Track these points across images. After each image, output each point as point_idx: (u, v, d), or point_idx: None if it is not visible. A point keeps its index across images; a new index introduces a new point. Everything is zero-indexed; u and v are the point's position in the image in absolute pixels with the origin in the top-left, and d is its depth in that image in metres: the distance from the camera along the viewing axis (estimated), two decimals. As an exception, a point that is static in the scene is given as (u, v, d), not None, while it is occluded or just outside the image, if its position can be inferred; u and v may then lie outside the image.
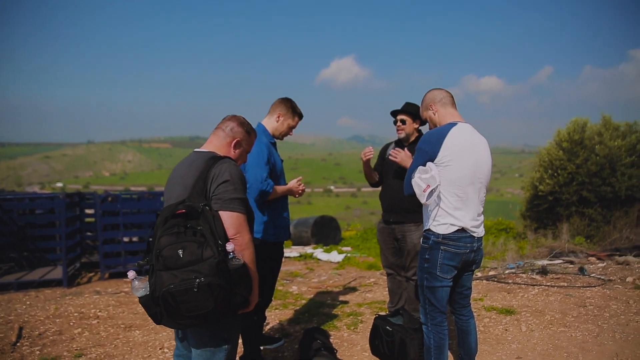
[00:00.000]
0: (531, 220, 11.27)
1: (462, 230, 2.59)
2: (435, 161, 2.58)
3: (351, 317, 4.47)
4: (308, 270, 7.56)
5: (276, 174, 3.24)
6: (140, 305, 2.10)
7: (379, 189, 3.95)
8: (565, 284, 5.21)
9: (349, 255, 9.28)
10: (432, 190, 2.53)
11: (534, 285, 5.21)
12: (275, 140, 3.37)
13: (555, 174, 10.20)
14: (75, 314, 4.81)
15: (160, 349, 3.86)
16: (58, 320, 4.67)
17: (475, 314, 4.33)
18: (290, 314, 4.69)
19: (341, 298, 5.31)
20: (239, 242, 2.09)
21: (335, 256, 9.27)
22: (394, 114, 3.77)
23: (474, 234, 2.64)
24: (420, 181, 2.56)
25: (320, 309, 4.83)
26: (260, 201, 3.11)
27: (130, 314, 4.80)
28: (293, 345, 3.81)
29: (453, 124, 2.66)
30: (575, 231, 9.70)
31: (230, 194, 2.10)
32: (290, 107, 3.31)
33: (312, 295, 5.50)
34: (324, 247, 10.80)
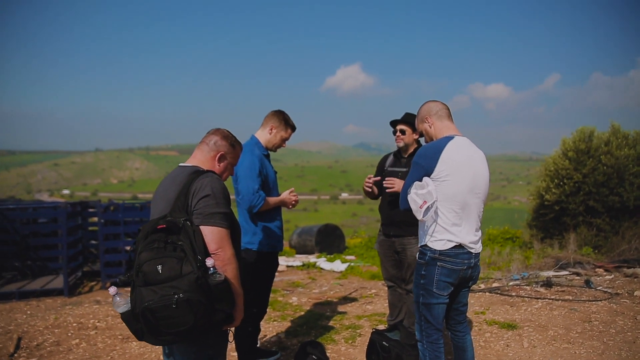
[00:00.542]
0: (537, 229, 11.12)
1: (460, 246, 2.54)
2: (431, 176, 2.53)
3: (350, 330, 4.41)
4: (310, 280, 7.49)
5: (268, 185, 3.27)
6: None
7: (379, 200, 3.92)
8: (571, 298, 5.10)
9: (352, 264, 9.20)
10: (428, 206, 2.47)
11: (537, 298, 5.11)
12: (269, 152, 3.39)
13: (561, 184, 10.07)
14: (74, 324, 4.79)
15: (155, 362, 3.82)
16: (57, 330, 4.66)
17: (476, 328, 4.25)
18: (289, 326, 4.64)
19: (341, 310, 5.25)
20: (220, 257, 2.06)
21: (338, 265, 9.20)
22: (394, 124, 3.75)
23: (472, 250, 2.58)
24: (417, 197, 2.51)
25: (319, 321, 4.77)
26: (252, 212, 3.10)
27: (128, 325, 4.78)
28: (289, 359, 3.76)
29: (450, 138, 2.61)
30: (583, 241, 9.55)
31: (211, 208, 2.08)
32: (283, 120, 3.34)
33: (311, 307, 5.44)
34: (328, 256, 10.73)
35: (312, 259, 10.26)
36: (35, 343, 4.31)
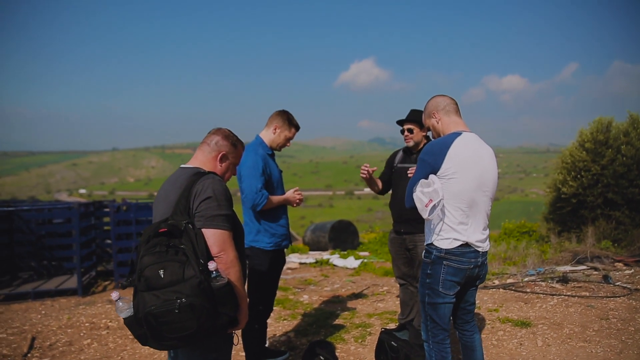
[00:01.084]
0: (554, 223, 10.90)
1: (466, 245, 2.46)
2: (438, 173, 2.46)
3: (360, 328, 4.36)
4: (322, 278, 7.46)
5: (272, 184, 3.28)
6: None
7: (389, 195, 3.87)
8: (587, 294, 4.95)
9: (365, 261, 9.15)
10: (434, 205, 2.40)
11: (553, 295, 4.97)
12: (274, 151, 3.41)
13: (579, 176, 9.83)
14: (87, 324, 4.84)
15: (164, 362, 3.83)
16: (69, 330, 4.71)
17: (489, 326, 4.16)
18: (298, 325, 4.61)
19: (352, 308, 5.19)
20: (223, 260, 2.03)
21: (351, 262, 9.15)
22: (400, 123, 3.69)
23: (479, 249, 2.50)
24: (422, 195, 2.44)
25: (329, 319, 4.72)
26: (254, 211, 3.12)
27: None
28: (298, 359, 3.73)
29: (457, 134, 2.53)
30: (602, 234, 9.32)
31: (213, 210, 2.05)
32: (287, 119, 3.36)
33: (322, 305, 5.40)
34: (341, 253, 10.69)
35: (325, 255, 10.23)
36: (49, 343, 4.36)
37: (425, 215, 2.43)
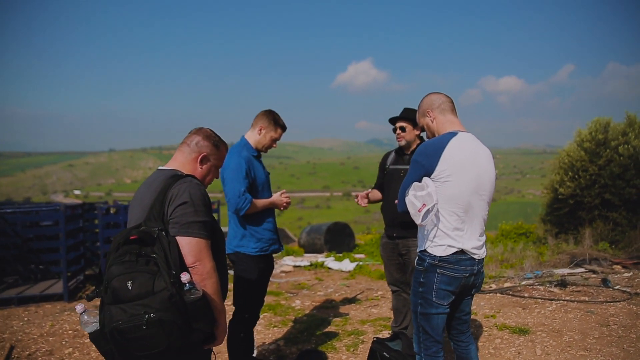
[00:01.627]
0: (552, 224, 10.78)
1: (462, 252, 2.31)
2: (432, 176, 2.30)
3: (352, 336, 4.20)
4: (317, 281, 7.30)
5: (257, 187, 3.14)
6: None
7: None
8: (587, 299, 4.81)
9: (360, 264, 9.00)
10: (428, 209, 2.25)
11: (551, 299, 4.83)
12: (260, 152, 3.26)
13: (576, 177, 9.71)
14: (70, 332, 4.67)
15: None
16: (51, 338, 4.54)
17: (485, 333, 4.01)
18: (289, 332, 4.45)
19: (345, 314, 5.04)
20: (199, 271, 1.88)
21: (346, 265, 9.00)
22: (392, 121, 3.54)
23: (475, 256, 2.35)
24: (415, 199, 2.28)
25: (321, 326, 4.56)
26: (238, 215, 2.98)
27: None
28: (287, 370, 3.57)
29: (453, 134, 2.38)
30: (599, 236, 9.20)
31: (188, 217, 1.89)
32: (272, 120, 3.21)
33: (314, 311, 5.24)
34: (337, 255, 10.54)
35: (320, 258, 10.07)
36: (28, 352, 4.19)
37: (418, 220, 2.28)
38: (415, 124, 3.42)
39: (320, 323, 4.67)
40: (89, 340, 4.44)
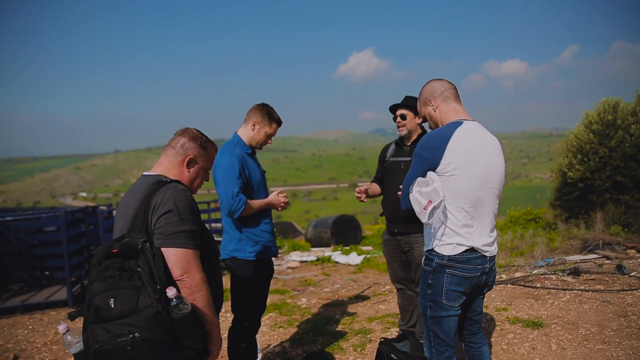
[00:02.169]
0: (561, 209, 10.57)
1: (472, 250, 2.16)
2: (437, 170, 2.14)
3: (359, 335, 4.07)
4: (323, 277, 7.19)
5: (252, 187, 2.94)
6: None
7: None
8: (602, 287, 4.64)
9: (368, 256, 8.87)
10: (434, 206, 2.09)
11: (565, 289, 4.66)
12: (254, 150, 3.06)
13: (586, 159, 9.49)
14: (73, 340, 4.58)
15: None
16: (55, 347, 4.47)
17: (498, 328, 3.87)
18: (295, 333, 4.33)
19: (352, 311, 4.91)
20: (187, 284, 1.75)
21: (354, 258, 8.88)
22: (393, 109, 3.37)
23: (486, 254, 2.20)
24: (420, 196, 2.12)
25: (327, 326, 4.44)
26: (233, 218, 2.79)
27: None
28: (293, 373, 3.46)
29: (457, 123, 2.21)
30: (611, 220, 8.99)
31: (174, 226, 1.76)
32: (267, 114, 2.99)
33: (321, 309, 5.12)
34: (344, 248, 10.42)
35: (327, 252, 9.96)
36: (30, 362, 4.12)
37: (424, 219, 2.12)
38: (417, 112, 3.26)
39: (327, 322, 4.55)
40: (92, 348, 4.36)
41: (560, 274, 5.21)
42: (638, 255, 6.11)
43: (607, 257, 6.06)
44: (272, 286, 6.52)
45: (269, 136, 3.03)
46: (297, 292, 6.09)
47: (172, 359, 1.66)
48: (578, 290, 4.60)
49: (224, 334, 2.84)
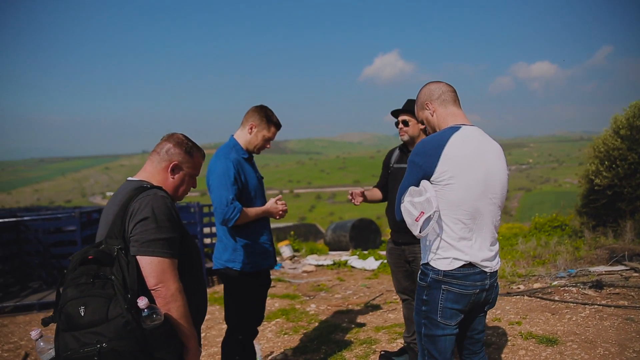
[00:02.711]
0: (588, 217, 10.16)
1: (470, 265, 2.03)
2: (432, 179, 2.01)
3: (364, 345, 3.95)
4: (337, 282, 7.08)
5: (249, 194, 2.82)
6: None
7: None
8: (626, 303, 4.37)
9: (385, 261, 8.72)
10: (427, 218, 1.97)
11: (585, 304, 4.42)
12: (251, 154, 2.95)
13: (614, 166, 9.10)
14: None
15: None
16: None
17: (509, 343, 3.69)
18: (299, 341, 4.24)
19: (360, 319, 4.79)
20: (162, 294, 1.70)
21: (370, 263, 8.74)
22: (395, 114, 3.25)
23: (486, 270, 2.06)
24: (412, 207, 2.00)
25: (333, 334, 4.34)
26: (228, 227, 2.70)
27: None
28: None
29: (455, 128, 2.08)
30: (642, 229, 8.58)
31: (150, 234, 1.71)
32: (265, 117, 2.87)
33: (329, 316, 5.01)
34: (362, 253, 10.28)
35: (344, 257, 9.84)
36: (38, 362, 4.16)
37: (416, 231, 2.01)
38: None
39: (333, 330, 4.45)
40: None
41: (581, 287, 4.96)
42: (668, 268, 5.77)
43: (635, 270, 5.73)
44: (283, 291, 6.46)
45: (267, 140, 2.91)
46: (308, 298, 6.00)
47: None
48: (599, 305, 4.35)
49: (217, 347, 2.76)
